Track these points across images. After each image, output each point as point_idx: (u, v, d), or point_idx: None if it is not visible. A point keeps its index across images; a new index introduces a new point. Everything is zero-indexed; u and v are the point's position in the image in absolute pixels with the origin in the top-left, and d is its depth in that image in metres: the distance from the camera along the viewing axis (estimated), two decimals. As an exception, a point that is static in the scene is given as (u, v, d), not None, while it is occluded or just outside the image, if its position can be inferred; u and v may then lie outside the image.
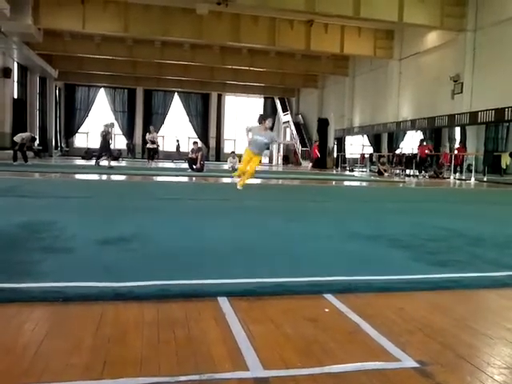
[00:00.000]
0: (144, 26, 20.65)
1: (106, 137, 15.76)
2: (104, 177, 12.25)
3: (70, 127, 35.48)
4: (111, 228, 3.98)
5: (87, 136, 35.71)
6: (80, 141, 35.99)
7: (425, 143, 20.85)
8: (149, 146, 20.47)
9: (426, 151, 20.10)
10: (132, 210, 5.42)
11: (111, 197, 7.13)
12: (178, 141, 34.06)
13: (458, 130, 21.83)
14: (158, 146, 21.38)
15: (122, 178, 12.28)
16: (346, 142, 30.05)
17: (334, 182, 14.23)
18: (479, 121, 18.27)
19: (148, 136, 20.48)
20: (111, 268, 2.63)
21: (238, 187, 8.65)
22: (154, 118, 36.16)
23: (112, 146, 17.71)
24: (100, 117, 36.21)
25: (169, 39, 23.71)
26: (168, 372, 1.50)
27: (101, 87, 35.37)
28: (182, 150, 32.29)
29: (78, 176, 12.25)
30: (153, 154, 20.91)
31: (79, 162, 22.53)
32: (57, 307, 2.08)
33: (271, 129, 9.30)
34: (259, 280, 2.43)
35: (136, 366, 1.54)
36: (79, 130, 36.03)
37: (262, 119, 8.84)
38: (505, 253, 3.46)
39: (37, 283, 2.31)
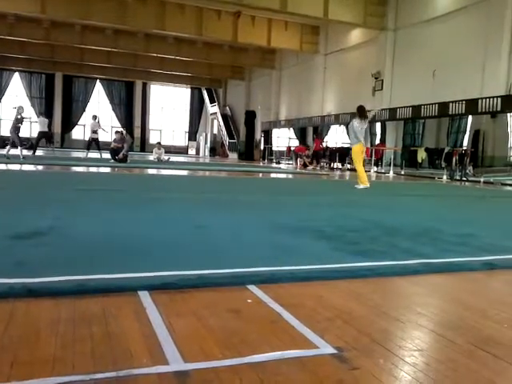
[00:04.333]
0: (62, 8, 19.60)
1: (17, 122, 14.47)
2: (17, 167, 11.53)
3: (-20, 113, 33.12)
4: (24, 221, 3.74)
5: None
6: (-9, 128, 33.71)
7: (320, 138, 22.27)
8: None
9: (321, 145, 21.66)
10: (49, 201, 5.15)
11: (25, 188, 6.72)
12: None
13: (378, 125, 22.88)
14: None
15: (38, 168, 11.63)
16: (273, 135, 30.51)
17: (260, 174, 14.37)
18: (398, 117, 19.26)
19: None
20: (23, 263, 2.47)
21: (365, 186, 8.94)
22: (74, 105, 34.60)
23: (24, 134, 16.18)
24: (13, 103, 34.12)
25: (90, 23, 22.66)
26: (83, 370, 1.43)
27: (15, 71, 33.22)
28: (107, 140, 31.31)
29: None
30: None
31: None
32: (-40, 306, 1.92)
33: None
34: (181, 273, 2.39)
35: (48, 366, 1.45)
36: (-10, 117, 33.73)
37: (364, 111, 8.80)
38: (418, 242, 3.67)
39: None
